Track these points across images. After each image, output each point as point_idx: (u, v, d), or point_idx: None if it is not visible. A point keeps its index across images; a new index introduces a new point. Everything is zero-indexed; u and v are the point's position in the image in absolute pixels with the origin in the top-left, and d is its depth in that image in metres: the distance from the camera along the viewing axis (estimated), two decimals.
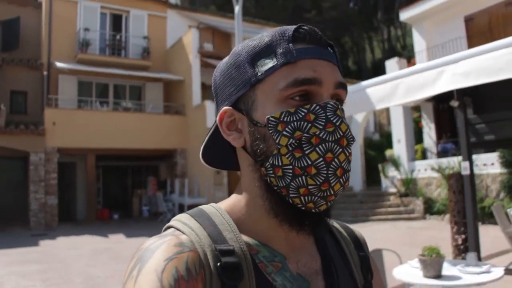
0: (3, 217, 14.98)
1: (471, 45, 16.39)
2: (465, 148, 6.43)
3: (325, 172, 0.64)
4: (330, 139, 0.65)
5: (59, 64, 16.13)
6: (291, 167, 0.66)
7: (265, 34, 0.72)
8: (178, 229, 0.67)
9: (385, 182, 16.32)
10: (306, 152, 0.65)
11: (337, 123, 0.65)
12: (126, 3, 18.87)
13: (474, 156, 14.15)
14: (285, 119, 0.66)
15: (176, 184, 16.48)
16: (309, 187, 0.65)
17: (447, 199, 13.77)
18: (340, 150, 0.65)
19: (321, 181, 0.64)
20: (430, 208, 14.41)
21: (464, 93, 6.16)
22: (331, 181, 0.65)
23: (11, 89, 17.00)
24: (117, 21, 18.87)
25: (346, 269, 0.79)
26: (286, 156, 0.66)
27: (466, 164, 6.40)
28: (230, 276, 0.62)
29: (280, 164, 0.66)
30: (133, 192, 18.75)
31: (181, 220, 0.69)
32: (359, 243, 0.87)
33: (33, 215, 14.34)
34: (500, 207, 7.22)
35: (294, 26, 0.71)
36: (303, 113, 0.66)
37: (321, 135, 0.65)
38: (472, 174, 6.51)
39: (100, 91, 18.17)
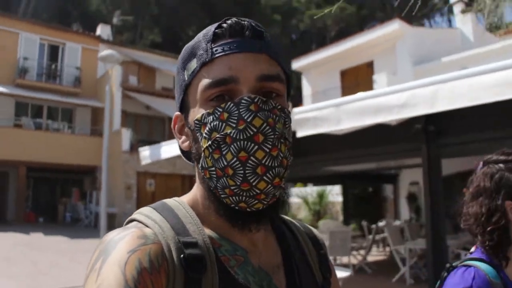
0: None
1: (344, 94, 20.80)
2: None
3: (242, 172, 0.63)
4: (241, 137, 0.63)
5: None
6: (214, 168, 0.65)
7: (198, 34, 0.72)
8: (141, 222, 0.67)
9: None
10: (224, 152, 0.64)
11: (248, 119, 0.63)
12: (63, 36, 22.05)
13: (329, 187, 18.36)
14: (204, 121, 0.66)
15: (95, 196, 19.72)
16: (232, 187, 0.64)
17: (310, 220, 17.83)
18: (256, 147, 0.63)
19: (240, 181, 0.63)
20: None
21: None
22: (251, 180, 0.63)
23: None
24: (54, 51, 21.98)
25: (306, 265, 0.80)
26: (209, 158, 0.66)
27: None
28: (194, 268, 0.62)
29: (206, 166, 0.67)
30: (59, 200, 21.77)
31: (144, 213, 0.69)
32: (317, 242, 0.87)
33: None
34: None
35: (219, 22, 0.70)
36: (218, 113, 0.65)
37: (232, 134, 0.63)
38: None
39: (35, 112, 21.19)
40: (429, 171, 7.17)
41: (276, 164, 0.64)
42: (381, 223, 12.84)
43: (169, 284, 0.61)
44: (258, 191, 0.64)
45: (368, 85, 19.68)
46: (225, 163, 0.64)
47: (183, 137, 0.75)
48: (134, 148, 20.14)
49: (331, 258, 6.93)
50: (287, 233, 0.83)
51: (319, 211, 18.00)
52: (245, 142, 0.63)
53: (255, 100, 0.65)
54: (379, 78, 17.57)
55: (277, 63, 0.71)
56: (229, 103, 0.65)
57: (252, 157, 0.63)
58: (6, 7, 31.29)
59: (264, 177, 0.63)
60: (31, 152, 18.85)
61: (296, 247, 0.82)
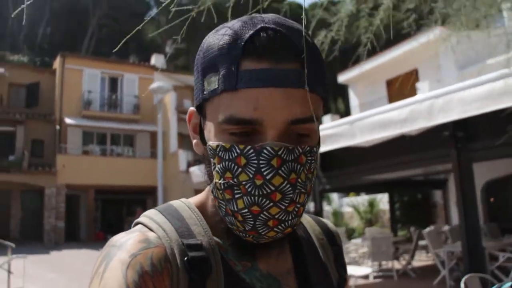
0: (24, 235, 19.77)
1: (391, 103, 21.03)
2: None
3: (252, 222, 0.60)
4: (256, 193, 0.58)
5: (68, 120, 21.12)
6: (224, 203, 0.62)
7: (226, 31, 0.63)
8: (145, 225, 0.66)
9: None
10: (236, 196, 0.60)
11: (268, 176, 0.58)
12: (121, 68, 23.98)
13: (380, 196, 18.62)
14: (220, 154, 0.61)
15: None
16: (239, 228, 0.62)
17: (362, 228, 18.17)
18: (271, 204, 0.59)
19: (248, 228, 0.61)
20: (350, 236, 18.76)
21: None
22: (260, 230, 0.60)
23: (32, 138, 22.00)
24: (113, 83, 23.92)
25: (319, 264, 0.77)
26: (220, 192, 0.62)
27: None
28: (198, 271, 0.61)
29: (216, 195, 0.64)
30: (125, 219, 23.44)
31: (149, 215, 0.68)
32: (332, 237, 0.83)
33: (46, 234, 19.17)
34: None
35: (253, 30, 0.60)
36: (235, 154, 0.59)
37: (247, 187, 0.59)
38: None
39: (100, 140, 23.10)
40: (460, 176, 7.48)
41: (290, 218, 0.61)
42: (428, 229, 12.98)
43: (173, 287, 0.60)
44: (266, 237, 0.62)
45: (413, 93, 19.84)
46: (236, 209, 0.60)
47: (198, 138, 0.70)
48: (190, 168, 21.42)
49: (375, 263, 8.62)
50: (299, 233, 0.78)
51: (371, 219, 18.32)
52: (260, 199, 0.58)
53: (279, 152, 0.58)
54: (422, 86, 17.74)
55: (315, 94, 0.62)
56: (249, 147, 0.59)
57: (265, 212, 0.59)
58: (71, 46, 34.15)
59: (275, 229, 0.60)
60: (98, 176, 20.62)
61: (310, 246, 0.78)
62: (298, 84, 0.59)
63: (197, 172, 9.87)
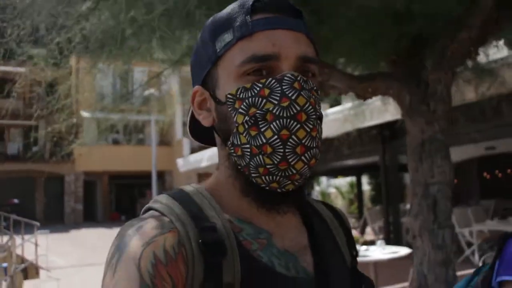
0: (48, 216, 22.40)
1: None
2: None
3: (282, 150, 0.61)
4: (284, 115, 0.61)
5: (83, 113, 23.46)
6: (248, 145, 0.64)
7: (230, 6, 0.70)
8: (157, 210, 0.66)
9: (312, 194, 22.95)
10: (262, 129, 0.63)
11: (293, 97, 0.62)
12: (132, 63, 26.05)
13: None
14: (241, 96, 0.64)
15: None
16: (267, 166, 0.63)
17: (345, 207, 20.09)
18: (298, 126, 0.62)
19: (278, 159, 0.62)
20: None
21: None
22: (290, 160, 0.62)
23: (52, 131, 24.47)
24: (124, 77, 26.06)
25: (334, 244, 0.78)
26: (244, 135, 0.64)
27: None
28: (213, 252, 0.61)
29: (239, 143, 0.65)
30: (137, 201, 25.92)
31: (160, 200, 0.68)
32: (341, 219, 0.84)
33: (66, 215, 21.86)
34: None
35: None
36: (258, 88, 0.64)
37: (274, 111, 0.62)
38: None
39: (112, 130, 25.33)
40: (384, 166, 9.48)
41: (314, 145, 0.63)
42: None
43: (188, 270, 0.60)
44: (294, 171, 0.63)
45: None
46: (264, 141, 0.62)
47: (204, 112, 0.73)
48: (194, 153, 23.55)
49: None
50: (312, 213, 0.80)
51: (352, 199, 20.26)
52: (288, 120, 0.61)
53: (298, 78, 0.64)
54: None
55: (313, 45, 0.70)
56: (270, 79, 0.64)
57: (293, 136, 0.61)
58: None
59: (303, 157, 0.62)
60: (112, 163, 23.05)
61: (323, 226, 0.79)
62: (303, 29, 0.69)
63: (180, 163, 11.97)
